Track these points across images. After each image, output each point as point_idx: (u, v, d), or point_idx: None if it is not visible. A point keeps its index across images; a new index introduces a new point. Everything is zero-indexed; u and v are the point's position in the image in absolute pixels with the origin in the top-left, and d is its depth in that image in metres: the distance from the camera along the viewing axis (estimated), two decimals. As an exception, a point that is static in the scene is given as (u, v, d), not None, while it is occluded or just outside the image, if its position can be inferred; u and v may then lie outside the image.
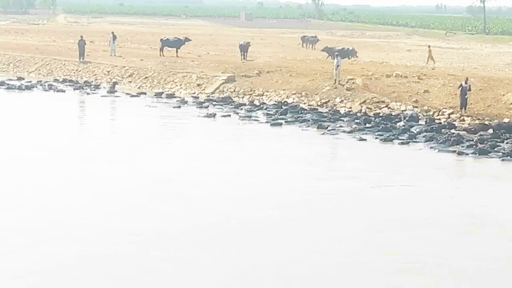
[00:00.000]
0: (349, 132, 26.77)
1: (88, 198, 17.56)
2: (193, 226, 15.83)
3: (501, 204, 18.39)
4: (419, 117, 28.95)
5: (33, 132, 26.10)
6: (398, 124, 27.83)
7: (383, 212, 17.35)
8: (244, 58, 41.15)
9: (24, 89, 36.47)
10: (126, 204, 17.30)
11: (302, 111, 30.64)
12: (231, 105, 32.30)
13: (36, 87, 37.19)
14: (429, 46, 44.27)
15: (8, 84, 37.36)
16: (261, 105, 32.13)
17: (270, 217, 16.67)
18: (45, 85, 37.51)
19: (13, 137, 25.14)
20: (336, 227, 16.18)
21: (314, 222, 16.44)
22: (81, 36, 43.63)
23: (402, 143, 25.14)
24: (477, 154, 23.62)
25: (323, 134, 26.65)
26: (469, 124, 27.74)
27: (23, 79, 39.58)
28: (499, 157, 23.18)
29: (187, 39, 43.64)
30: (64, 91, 36.22)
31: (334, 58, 36.16)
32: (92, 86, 37.46)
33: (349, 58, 42.82)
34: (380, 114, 29.63)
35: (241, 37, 55.34)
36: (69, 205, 16.87)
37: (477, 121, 27.92)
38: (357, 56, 44.27)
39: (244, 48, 41.92)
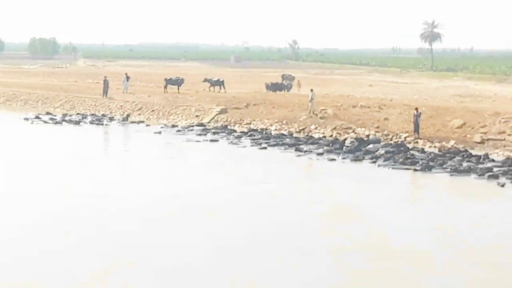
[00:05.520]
0: (320, 154, 26.40)
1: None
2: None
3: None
4: (381, 140, 28.78)
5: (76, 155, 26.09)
6: (367, 147, 27.32)
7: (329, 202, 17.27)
8: (219, 90, 42.67)
9: (61, 122, 35.87)
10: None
11: (283, 136, 30.39)
12: (224, 132, 32.06)
13: (65, 120, 36.57)
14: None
15: (52, 118, 37.00)
16: (250, 132, 31.84)
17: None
18: (71, 118, 37.06)
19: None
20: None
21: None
22: (105, 77, 43.70)
23: (371, 161, 25.07)
24: (426, 170, 23.57)
25: (301, 156, 26.39)
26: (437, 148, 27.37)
27: (51, 114, 38.84)
28: (448, 173, 23.27)
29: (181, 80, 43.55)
30: (79, 123, 35.82)
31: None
32: (107, 118, 37.28)
33: (219, 89, 42.68)
34: (348, 138, 29.46)
35: (221, 75, 54.37)
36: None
37: (436, 144, 27.94)
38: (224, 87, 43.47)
39: (218, 83, 43.25)
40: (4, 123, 35.54)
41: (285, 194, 20.25)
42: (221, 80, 44.21)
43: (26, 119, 36.70)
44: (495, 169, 23.14)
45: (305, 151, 26.91)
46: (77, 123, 35.76)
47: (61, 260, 13.60)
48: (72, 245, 14.61)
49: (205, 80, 44.69)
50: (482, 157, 25.17)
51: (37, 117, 37.28)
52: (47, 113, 39.01)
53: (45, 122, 36.05)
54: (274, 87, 43.33)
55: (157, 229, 15.94)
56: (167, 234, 15.55)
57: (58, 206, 17.92)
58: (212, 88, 43.38)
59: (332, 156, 25.99)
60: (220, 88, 43.02)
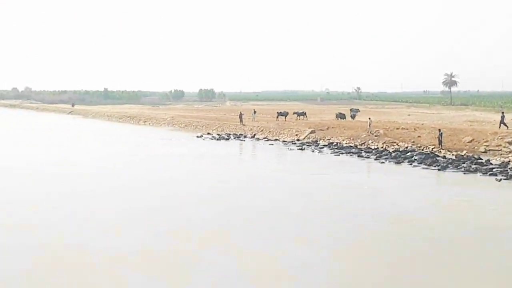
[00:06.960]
0: (375, 159, 25.92)
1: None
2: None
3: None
4: (415, 150, 27.87)
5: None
6: (406, 154, 26.37)
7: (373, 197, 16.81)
8: (304, 118, 42.03)
9: (220, 139, 36.82)
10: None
11: (350, 147, 30.17)
12: (313, 145, 31.94)
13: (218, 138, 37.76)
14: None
15: (214, 136, 37.39)
16: (329, 145, 31.74)
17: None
18: (223, 136, 37.57)
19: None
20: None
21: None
22: (240, 112, 45.51)
23: (408, 164, 24.42)
24: (444, 170, 22.75)
25: (362, 160, 26.02)
26: (454, 155, 25.92)
27: (211, 134, 39.97)
28: (461, 172, 22.29)
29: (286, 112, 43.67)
30: (228, 139, 36.56)
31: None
32: (243, 136, 38.03)
33: (303, 117, 41.63)
34: (393, 149, 28.75)
35: (310, 109, 53.97)
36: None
37: (453, 152, 26.61)
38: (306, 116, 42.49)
39: (302, 114, 42.79)
40: (186, 138, 37.62)
41: (348, 181, 20.13)
42: (304, 112, 43.64)
43: (197, 136, 38.41)
44: (494, 170, 21.84)
45: (365, 157, 26.42)
46: (227, 139, 36.69)
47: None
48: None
49: (294, 113, 44.44)
50: (485, 161, 23.97)
51: (202, 135, 39.01)
52: (208, 133, 40.55)
53: (208, 138, 37.46)
54: (340, 115, 42.85)
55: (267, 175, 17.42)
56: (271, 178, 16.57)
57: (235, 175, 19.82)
58: (298, 117, 43.05)
59: (382, 160, 25.33)
60: (304, 117, 42.54)
